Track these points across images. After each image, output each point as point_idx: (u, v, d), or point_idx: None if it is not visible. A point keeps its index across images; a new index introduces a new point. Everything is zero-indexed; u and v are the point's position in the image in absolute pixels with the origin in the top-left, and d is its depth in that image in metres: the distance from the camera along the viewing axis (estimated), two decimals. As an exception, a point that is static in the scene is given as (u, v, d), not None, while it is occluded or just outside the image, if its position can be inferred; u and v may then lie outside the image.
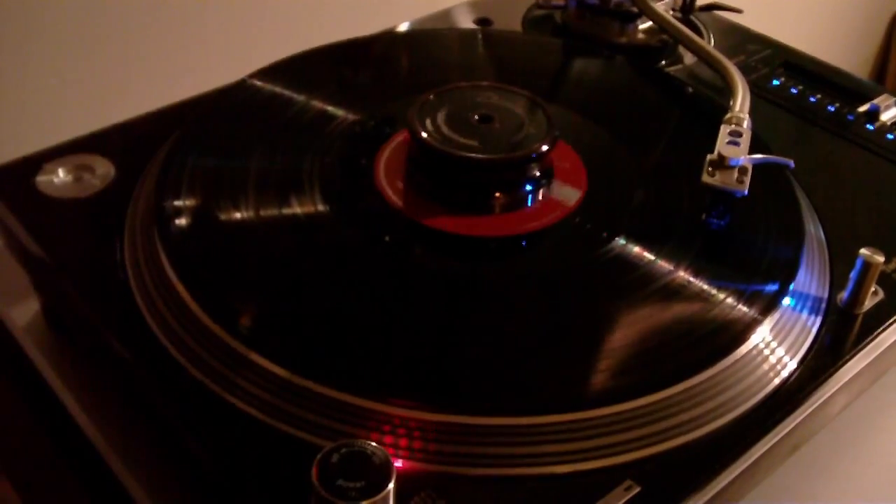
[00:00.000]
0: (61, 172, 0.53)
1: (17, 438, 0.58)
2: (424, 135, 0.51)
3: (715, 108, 0.58)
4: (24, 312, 0.56)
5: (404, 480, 0.37)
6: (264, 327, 0.44)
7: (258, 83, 0.59)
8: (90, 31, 0.76)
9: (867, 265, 0.46)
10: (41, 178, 0.53)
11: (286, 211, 0.50)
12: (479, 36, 0.68)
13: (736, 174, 0.49)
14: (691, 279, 0.47)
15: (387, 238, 0.49)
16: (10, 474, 0.56)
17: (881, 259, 0.46)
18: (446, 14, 0.73)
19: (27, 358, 0.55)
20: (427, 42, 0.68)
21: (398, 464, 0.38)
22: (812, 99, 0.64)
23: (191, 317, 0.44)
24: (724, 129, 0.52)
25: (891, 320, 0.48)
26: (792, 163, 0.52)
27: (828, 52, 0.73)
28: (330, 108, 0.58)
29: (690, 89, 0.64)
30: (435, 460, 0.39)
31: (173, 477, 0.45)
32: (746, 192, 0.49)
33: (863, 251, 0.46)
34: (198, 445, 0.41)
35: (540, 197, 0.52)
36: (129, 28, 0.78)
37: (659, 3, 0.68)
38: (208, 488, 0.42)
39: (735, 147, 0.50)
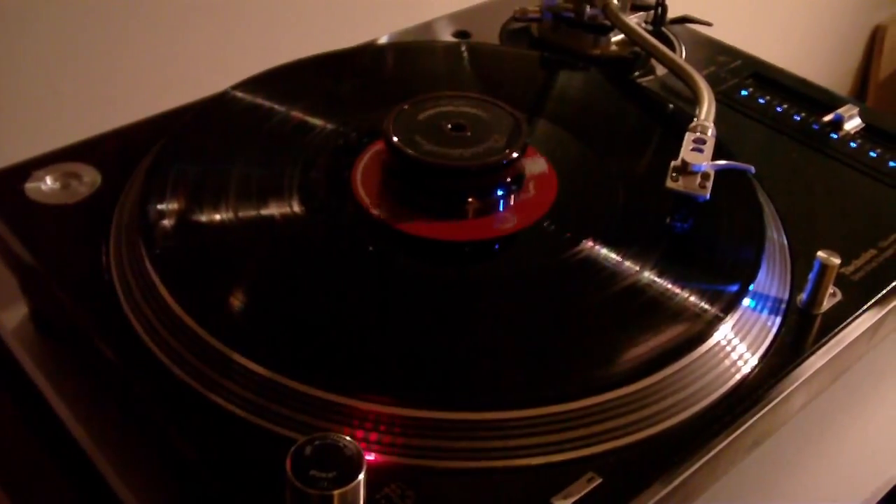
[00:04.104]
0: (49, 179, 0.54)
1: (5, 439, 0.58)
2: (397, 141, 0.52)
3: (683, 117, 0.59)
4: (13, 316, 0.57)
5: (375, 472, 0.38)
6: (245, 328, 0.45)
7: (241, 94, 0.61)
8: (79, 42, 0.77)
9: (824, 267, 0.48)
10: (30, 185, 0.54)
11: (266, 218, 0.52)
12: (457, 48, 0.70)
13: (699, 179, 0.51)
14: (656, 279, 0.48)
15: (361, 242, 0.50)
16: (-2, 475, 0.57)
17: (837, 261, 0.47)
18: (426, 27, 0.74)
19: (15, 360, 0.56)
20: (406, 54, 0.70)
21: (370, 457, 0.39)
22: (779, 109, 0.66)
23: (174, 318, 0.45)
24: (689, 137, 0.53)
25: (848, 321, 0.49)
26: (753, 168, 0.54)
27: (808, 67, 0.74)
28: (310, 119, 0.59)
29: (660, 99, 0.65)
30: (405, 453, 0.41)
31: (159, 476, 0.46)
32: (709, 196, 0.51)
33: (820, 254, 0.48)
34: (182, 443, 0.42)
35: (511, 202, 0.53)
36: (118, 40, 0.79)
37: (632, 16, 0.69)
38: (193, 486, 0.43)
39: (698, 154, 0.52)
